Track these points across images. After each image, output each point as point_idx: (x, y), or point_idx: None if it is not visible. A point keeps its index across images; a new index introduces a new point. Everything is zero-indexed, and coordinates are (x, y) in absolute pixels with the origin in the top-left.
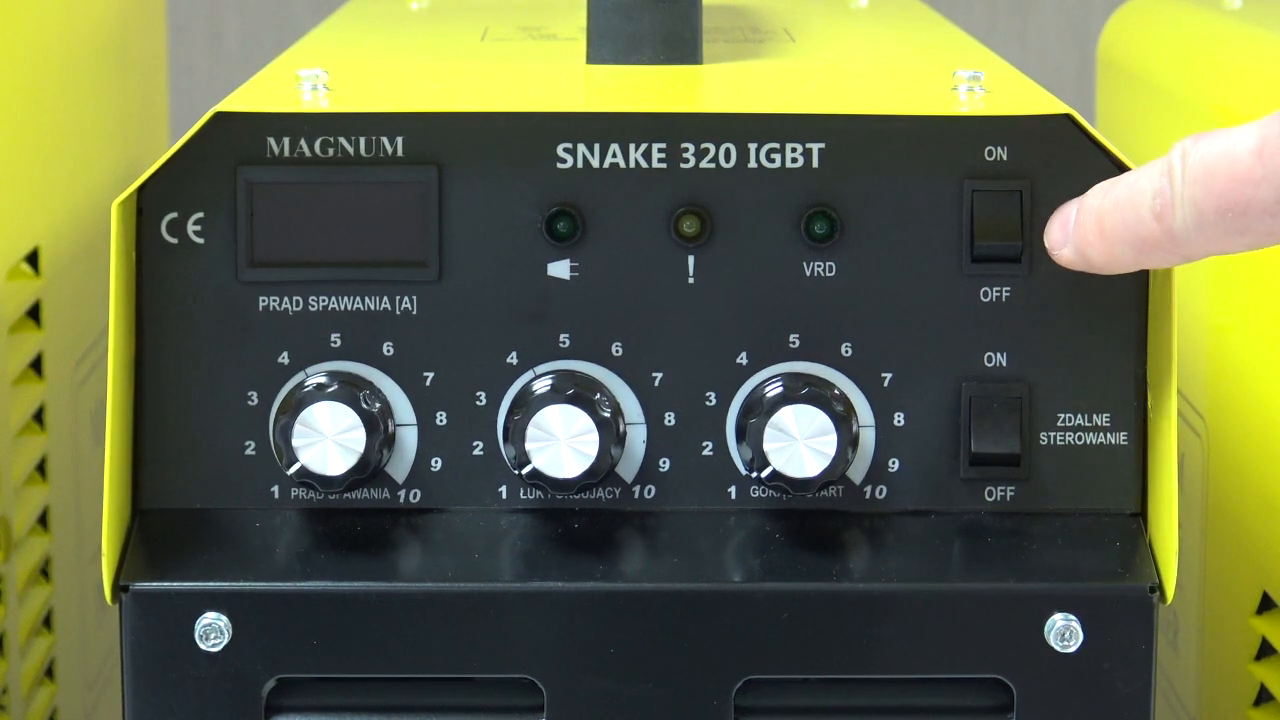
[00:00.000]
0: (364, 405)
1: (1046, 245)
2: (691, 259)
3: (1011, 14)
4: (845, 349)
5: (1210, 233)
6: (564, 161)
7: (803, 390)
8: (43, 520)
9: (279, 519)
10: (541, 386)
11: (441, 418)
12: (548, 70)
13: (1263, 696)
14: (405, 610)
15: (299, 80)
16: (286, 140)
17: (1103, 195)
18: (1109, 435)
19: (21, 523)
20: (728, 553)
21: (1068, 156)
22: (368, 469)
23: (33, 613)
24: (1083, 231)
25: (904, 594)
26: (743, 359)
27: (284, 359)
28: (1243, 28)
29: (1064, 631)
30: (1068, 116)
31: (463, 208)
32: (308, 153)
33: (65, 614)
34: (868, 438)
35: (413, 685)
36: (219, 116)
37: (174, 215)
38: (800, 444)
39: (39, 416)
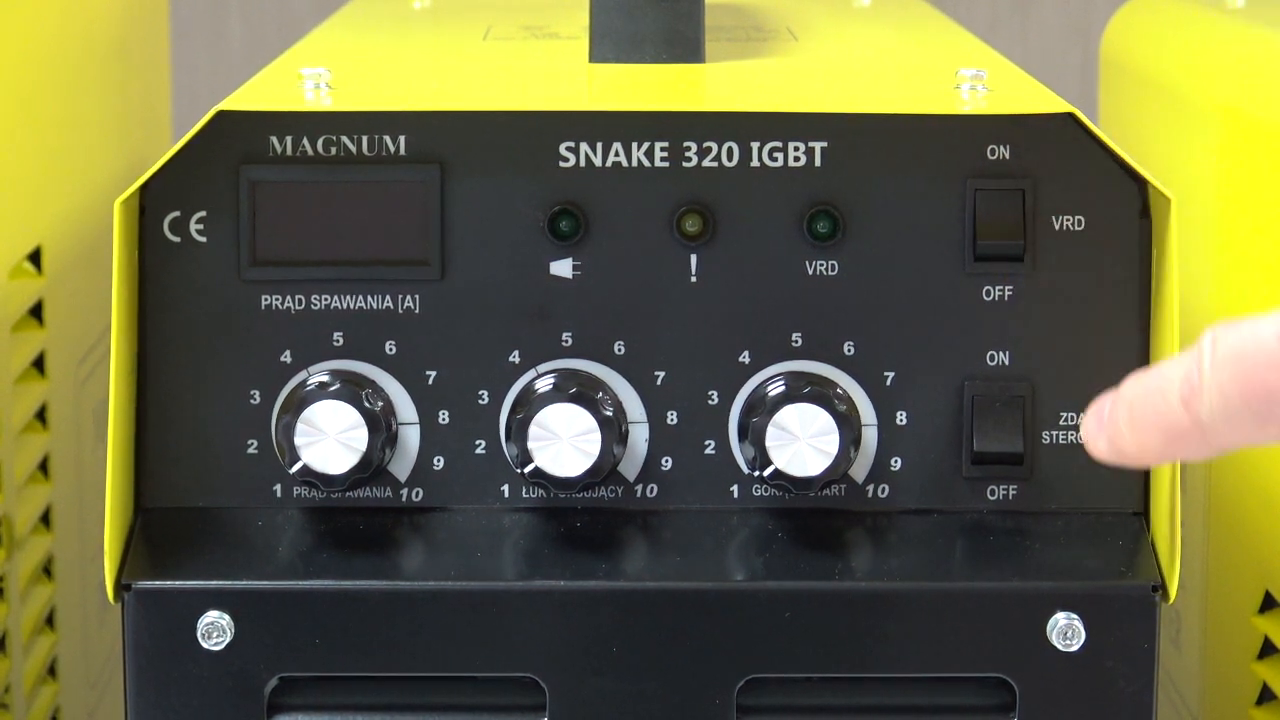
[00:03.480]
0: (366, 404)
1: (1082, 438)
2: (694, 258)
3: (1014, 12)
4: (848, 348)
5: (1237, 420)
6: (566, 160)
7: (805, 389)
8: (45, 519)
9: (281, 517)
10: (544, 385)
11: (444, 416)
12: (550, 69)
13: (1265, 695)
14: (407, 609)
15: (301, 79)
16: (289, 139)
17: (1135, 384)
18: None
19: (24, 521)
20: (730, 551)
21: (1070, 155)
22: (370, 468)
23: (35, 611)
24: (1114, 422)
25: (906, 593)
26: (745, 358)
27: (286, 357)
28: (1245, 27)
29: (1066, 630)
30: (1070, 115)
31: (465, 206)
32: (310, 151)
33: (67, 613)
34: (870, 436)
35: (415, 684)
36: (221, 115)
37: (176, 214)
38: (802, 443)
39: (41, 415)
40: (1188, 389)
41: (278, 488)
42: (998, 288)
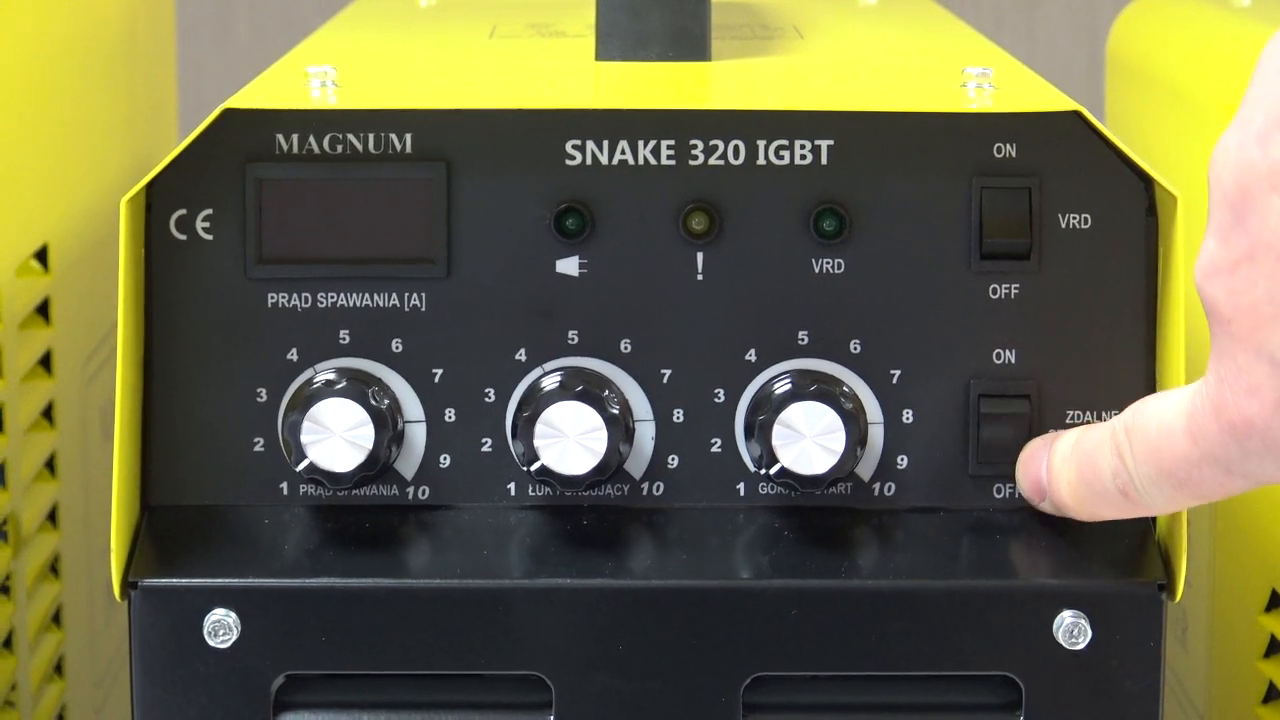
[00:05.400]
0: (373, 402)
1: (1023, 493)
2: (700, 255)
3: (1020, 10)
4: (854, 346)
5: (1177, 498)
6: (573, 158)
7: (811, 387)
8: (52, 517)
9: (288, 515)
10: (550, 383)
11: (450, 414)
12: (556, 67)
13: (1271, 693)
14: (414, 606)
15: (308, 77)
16: (295, 137)
17: (1064, 461)
18: None
19: (31, 519)
20: (736, 549)
21: (1076, 153)
22: (376, 465)
23: (42, 609)
24: (1058, 495)
25: (912, 591)
26: (751, 356)
27: (293, 355)
28: (1251, 25)
29: (1072, 629)
30: (1076, 113)
31: (471, 204)
32: (316, 149)
33: (74, 610)
34: (876, 435)
35: (421, 681)
36: (228, 113)
37: (183, 212)
38: (809, 441)
39: (48, 413)
40: (1121, 482)
41: (284, 485)
42: (1004, 286)
